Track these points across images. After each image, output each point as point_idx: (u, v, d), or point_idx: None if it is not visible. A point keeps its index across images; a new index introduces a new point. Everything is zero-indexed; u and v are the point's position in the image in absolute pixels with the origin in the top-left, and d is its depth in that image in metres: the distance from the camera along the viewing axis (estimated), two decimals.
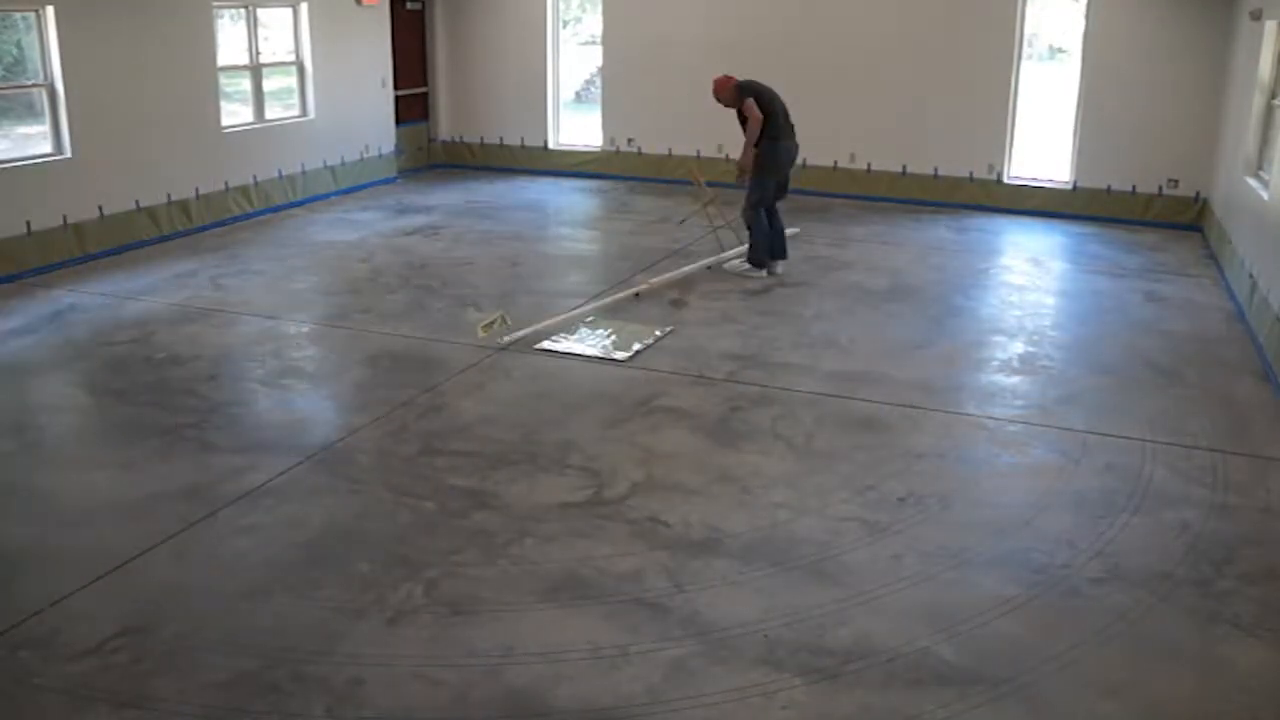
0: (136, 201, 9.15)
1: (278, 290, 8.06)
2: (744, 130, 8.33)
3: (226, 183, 10.09)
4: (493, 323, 6.80)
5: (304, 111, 11.14)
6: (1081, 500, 4.79)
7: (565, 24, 13.52)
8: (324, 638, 3.67)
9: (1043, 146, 13.14)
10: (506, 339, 6.69)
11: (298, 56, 11.03)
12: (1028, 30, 11.23)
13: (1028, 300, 8.11)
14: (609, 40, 12.62)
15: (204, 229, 9.80)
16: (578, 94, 17.18)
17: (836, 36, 11.54)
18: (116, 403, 5.84)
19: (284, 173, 10.79)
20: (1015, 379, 6.38)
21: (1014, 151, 11.37)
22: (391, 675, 3.48)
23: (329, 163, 11.41)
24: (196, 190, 9.75)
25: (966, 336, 7.19)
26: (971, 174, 11.35)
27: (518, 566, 4.16)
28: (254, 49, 10.46)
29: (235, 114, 10.39)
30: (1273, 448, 5.41)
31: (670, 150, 12.56)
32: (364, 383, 6.20)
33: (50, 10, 8.22)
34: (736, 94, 8.30)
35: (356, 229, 10.06)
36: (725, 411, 5.77)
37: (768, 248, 8.48)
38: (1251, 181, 8.13)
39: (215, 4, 9.86)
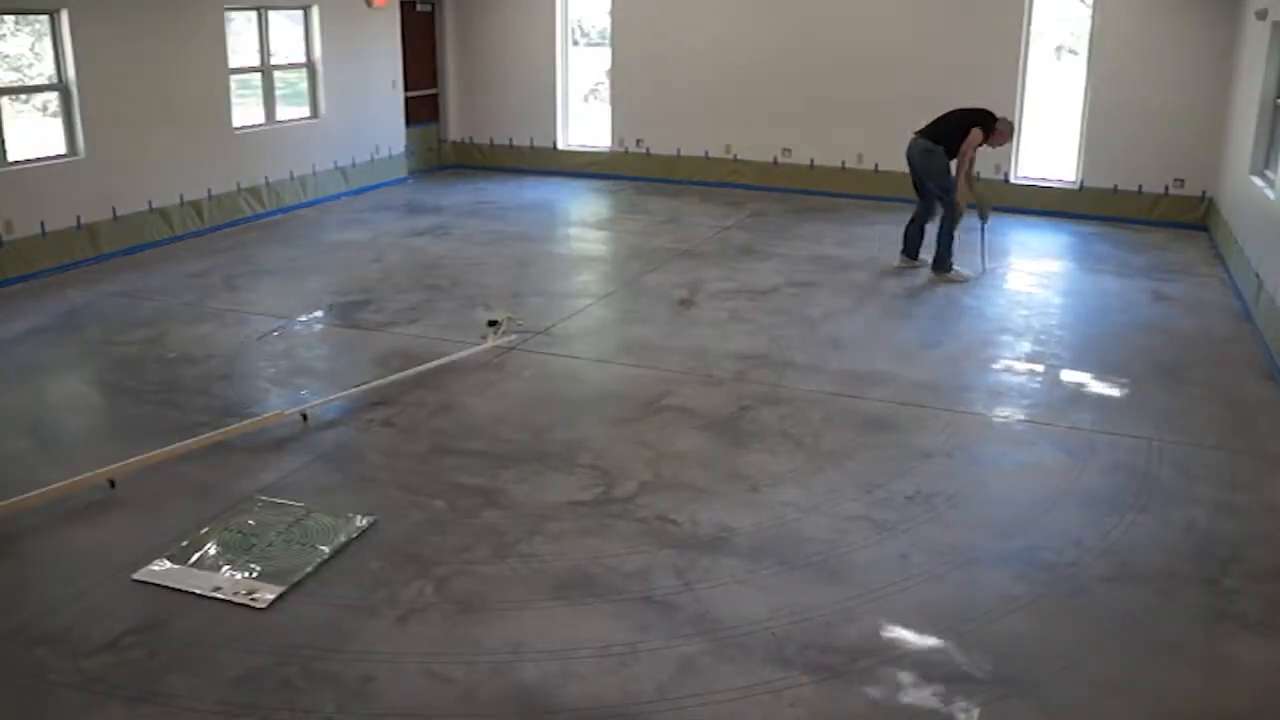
0: (149, 202, 9.21)
1: (289, 290, 8.11)
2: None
3: (238, 183, 10.15)
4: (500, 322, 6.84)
5: (315, 113, 11.20)
6: (1089, 499, 4.81)
7: (574, 25, 13.53)
8: (335, 635, 3.71)
9: (1049, 146, 13.11)
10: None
11: (309, 58, 11.09)
12: (1035, 31, 11.22)
13: (1035, 300, 8.12)
14: (618, 42, 12.65)
15: (216, 229, 9.85)
16: (585, 96, 17.20)
17: (845, 37, 11.54)
18: (129, 402, 5.89)
19: (295, 174, 10.85)
20: (1022, 378, 6.39)
21: (1021, 151, 11.35)
22: (401, 672, 3.52)
23: (340, 164, 11.47)
24: (209, 191, 9.81)
25: (974, 336, 7.20)
26: (978, 174, 11.32)
27: (527, 565, 4.19)
28: (265, 51, 10.51)
29: (247, 115, 10.44)
30: (1279, 446, 5.43)
31: (679, 151, 12.58)
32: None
33: (65, 13, 8.29)
34: None
35: (367, 229, 10.11)
36: (734, 411, 5.79)
37: None
38: (1257, 181, 8.12)
39: (227, 6, 9.92)
